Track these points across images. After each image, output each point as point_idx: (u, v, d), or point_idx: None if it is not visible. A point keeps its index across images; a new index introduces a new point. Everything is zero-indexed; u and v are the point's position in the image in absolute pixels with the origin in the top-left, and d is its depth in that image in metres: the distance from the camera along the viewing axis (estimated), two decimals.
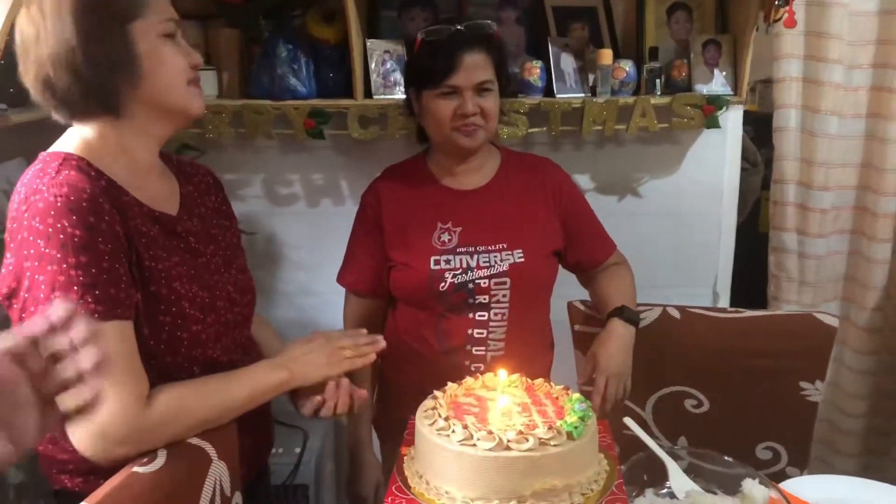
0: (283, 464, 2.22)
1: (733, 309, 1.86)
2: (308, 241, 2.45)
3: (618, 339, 1.64)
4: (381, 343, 1.40)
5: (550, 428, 1.17)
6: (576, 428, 1.18)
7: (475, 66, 1.60)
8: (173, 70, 1.18)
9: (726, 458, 1.41)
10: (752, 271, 2.56)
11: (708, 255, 2.44)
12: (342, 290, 1.83)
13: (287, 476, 2.21)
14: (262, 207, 2.45)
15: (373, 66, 2.14)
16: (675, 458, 1.42)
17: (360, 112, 2.14)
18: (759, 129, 2.37)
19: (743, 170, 2.41)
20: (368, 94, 2.16)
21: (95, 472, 1.16)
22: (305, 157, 2.40)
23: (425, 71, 1.63)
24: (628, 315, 1.66)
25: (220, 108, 2.15)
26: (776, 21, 1.93)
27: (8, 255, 1.12)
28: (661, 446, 1.44)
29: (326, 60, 2.18)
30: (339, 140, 2.31)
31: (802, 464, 1.82)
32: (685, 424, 1.84)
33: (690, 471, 1.40)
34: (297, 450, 2.28)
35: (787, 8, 1.87)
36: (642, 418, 1.84)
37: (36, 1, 1.14)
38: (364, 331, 1.41)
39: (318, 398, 1.33)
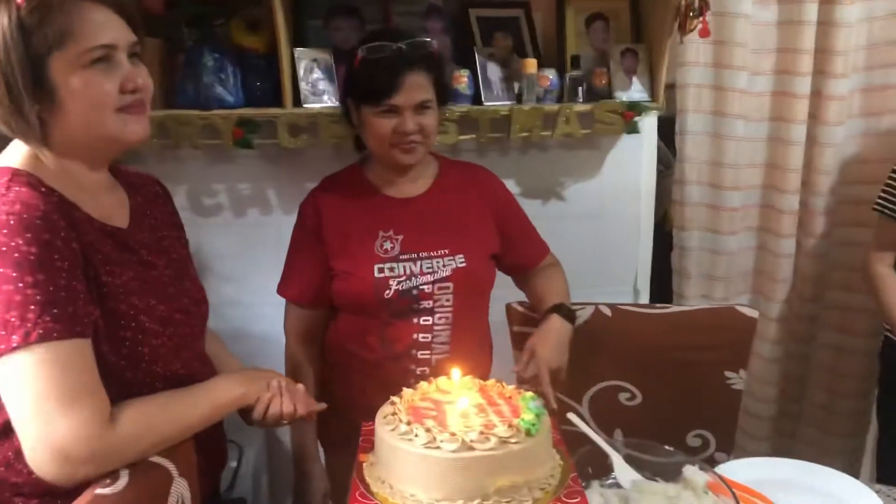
0: (221, 478, 2.20)
1: (661, 305, 1.95)
2: (235, 252, 2.42)
3: (556, 334, 1.69)
4: (322, 406, 1.45)
5: (510, 426, 1.20)
6: (533, 425, 1.22)
7: (416, 87, 1.60)
8: (94, 100, 1.12)
9: (666, 447, 1.46)
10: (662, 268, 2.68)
11: (628, 255, 2.54)
12: (271, 300, 1.82)
13: (224, 489, 2.18)
14: (187, 218, 2.34)
15: (301, 74, 2.13)
16: (616, 450, 1.49)
17: (290, 121, 2.13)
18: (665, 132, 2.50)
19: (658, 172, 2.52)
20: (298, 102, 2.15)
21: (51, 493, 1.13)
22: (232, 167, 2.37)
23: (366, 88, 1.63)
24: (566, 312, 1.72)
25: None
26: (690, 31, 2.04)
27: None
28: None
29: (253, 69, 2.16)
30: (267, 149, 2.29)
31: (729, 449, 1.93)
32: (620, 417, 1.91)
33: (629, 462, 1.46)
34: (234, 464, 2.26)
35: (702, 19, 1.98)
36: (579, 412, 1.91)
37: None
38: (302, 388, 1.42)
39: (266, 397, 1.33)
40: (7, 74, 1.08)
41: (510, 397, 1.37)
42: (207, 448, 1.34)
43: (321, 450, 1.86)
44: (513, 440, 1.19)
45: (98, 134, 1.15)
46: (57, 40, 1.09)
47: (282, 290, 1.78)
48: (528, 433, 1.21)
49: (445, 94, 1.74)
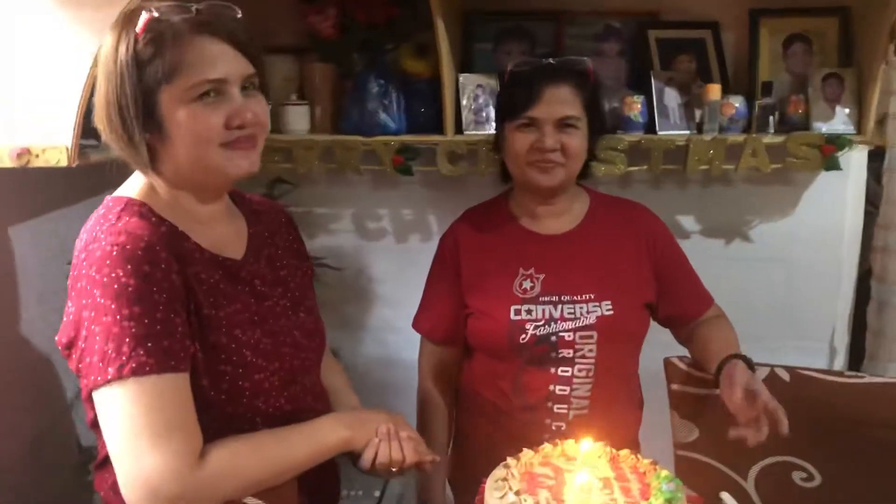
0: None
1: (851, 373, 1.66)
2: (395, 277, 2.41)
3: (742, 377, 1.42)
4: (434, 458, 1.32)
5: None
6: None
7: (559, 100, 1.51)
8: (199, 134, 1.11)
9: None
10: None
11: (824, 308, 2.24)
12: None
13: None
14: (352, 242, 2.44)
15: (464, 101, 2.08)
16: None
17: (450, 148, 2.08)
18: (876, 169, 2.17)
19: (867, 213, 2.20)
20: (459, 129, 2.10)
21: None
22: (395, 193, 2.37)
23: (508, 102, 1.57)
24: (746, 360, 1.47)
25: (311, 143, 2.14)
26: None
27: (69, 303, 1.11)
28: None
29: (418, 95, 2.14)
30: (428, 176, 2.27)
31: None
32: (793, 499, 1.65)
33: None
34: (377, 493, 2.23)
35: None
36: (744, 490, 1.67)
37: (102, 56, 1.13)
38: (415, 436, 1.31)
39: (375, 442, 1.24)
40: (121, 103, 1.10)
41: (644, 473, 1.21)
42: (314, 486, 1.29)
43: (450, 494, 1.76)
44: None
45: (202, 167, 1.14)
46: (167, 74, 1.09)
47: (416, 323, 1.72)
48: None
49: (600, 120, 1.61)
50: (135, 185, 1.18)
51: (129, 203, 1.13)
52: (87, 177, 1.63)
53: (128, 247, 1.06)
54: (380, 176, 2.30)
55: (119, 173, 1.21)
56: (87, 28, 1.53)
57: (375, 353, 2.47)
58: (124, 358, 1.02)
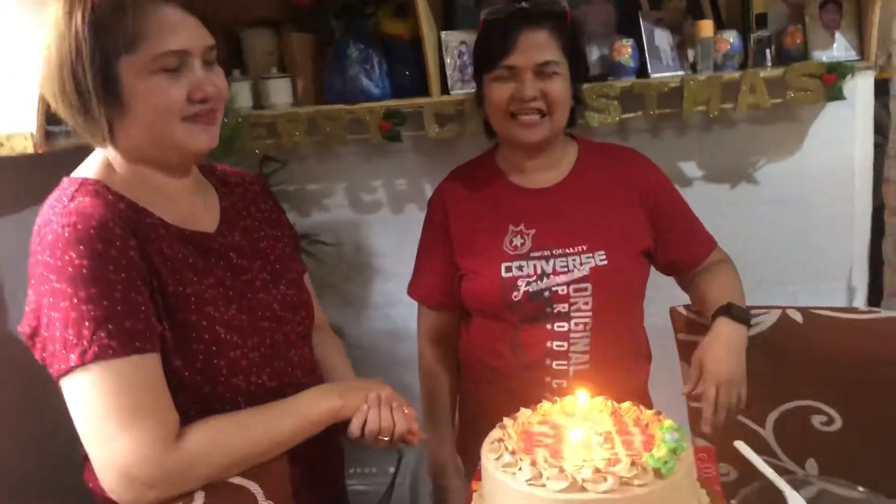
0: (378, 484, 2.13)
1: (867, 309, 1.60)
2: (395, 250, 2.35)
3: (726, 341, 1.42)
4: (424, 437, 1.26)
5: (634, 464, 0.99)
6: (665, 463, 1.00)
7: (536, 45, 1.44)
8: (160, 107, 1.07)
9: (860, 488, 1.19)
10: None
11: (840, 246, 2.15)
12: None
13: (381, 498, 2.12)
14: (347, 216, 2.38)
15: (448, 60, 2.01)
16: (801, 485, 1.20)
17: (437, 109, 2.02)
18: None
19: (877, 145, 2.11)
20: (446, 89, 2.03)
21: None
22: (386, 162, 2.31)
23: (483, 52, 1.51)
24: (737, 313, 1.44)
25: (294, 115, 2.09)
26: None
27: (29, 291, 1.06)
28: (785, 471, 1.23)
29: (401, 57, 2.08)
30: (418, 141, 2.21)
31: None
32: (814, 445, 1.58)
33: (819, 501, 1.18)
34: (391, 470, 2.19)
35: None
36: (762, 438, 1.61)
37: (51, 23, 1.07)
38: (406, 405, 1.25)
39: (364, 409, 1.19)
40: (77, 73, 1.04)
41: (647, 425, 1.15)
42: (310, 463, 1.24)
43: (460, 464, 1.71)
44: (636, 482, 0.98)
45: (162, 141, 1.10)
46: (128, 43, 1.04)
47: (410, 289, 1.68)
48: (658, 473, 0.99)
49: (582, 64, 1.56)
50: (92, 165, 1.13)
51: (83, 183, 1.08)
52: (64, 166, 1.58)
53: (79, 226, 1.01)
54: (370, 146, 2.24)
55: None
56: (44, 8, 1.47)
57: (381, 328, 2.42)
58: (85, 343, 0.98)
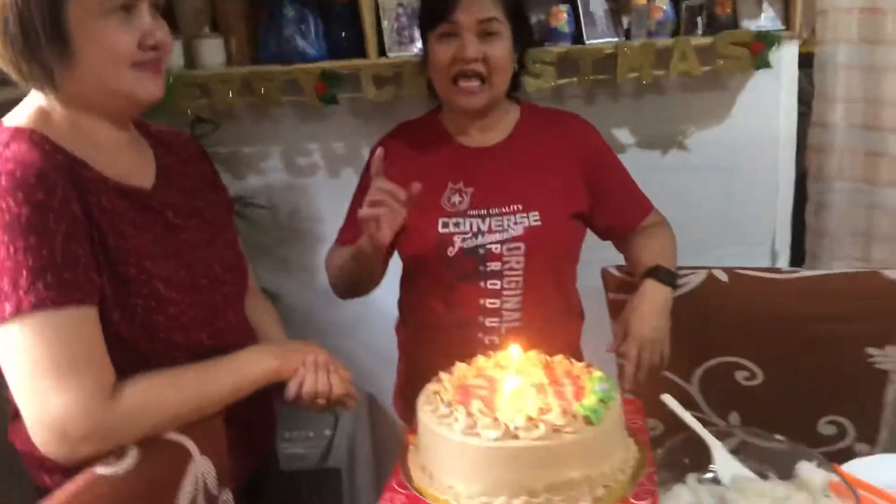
0: (314, 447, 2.14)
1: (788, 269, 1.67)
2: (331, 214, 2.30)
3: (651, 301, 1.48)
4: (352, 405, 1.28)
5: (565, 412, 1.02)
6: (594, 412, 1.04)
7: (478, 3, 1.45)
8: (110, 53, 1.05)
9: (777, 436, 1.24)
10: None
11: (765, 211, 2.24)
12: None
13: (318, 460, 2.13)
14: (283, 180, 2.35)
15: (385, 22, 2.00)
16: (724, 437, 1.26)
17: (374, 72, 2.00)
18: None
19: (801, 115, 2.18)
20: (383, 51, 2.02)
21: (77, 469, 1.06)
22: (323, 125, 2.28)
23: (427, 10, 1.52)
24: (663, 275, 1.50)
25: (227, 76, 2.05)
26: None
27: None
28: (708, 424, 1.28)
29: (337, 18, 2.05)
30: (355, 103, 2.19)
31: (873, 439, 1.63)
32: (737, 399, 1.66)
33: (741, 451, 1.24)
34: (327, 432, 2.20)
35: None
36: (688, 393, 1.67)
37: None
38: (343, 370, 1.27)
39: (300, 373, 1.20)
40: (24, 15, 1.01)
41: (578, 376, 1.18)
42: (246, 418, 1.24)
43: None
44: (567, 429, 1.01)
45: (111, 89, 1.08)
46: None
47: (341, 237, 1.66)
48: (588, 421, 1.02)
49: (525, 29, 1.56)
50: (24, 112, 1.09)
51: (18, 131, 1.05)
52: None
53: (17, 174, 0.98)
54: (306, 108, 2.21)
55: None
56: None
57: (317, 293, 2.40)
58: (22, 293, 0.96)
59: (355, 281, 1.56)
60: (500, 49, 1.47)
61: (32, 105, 1.10)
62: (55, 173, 1.01)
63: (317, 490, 2.14)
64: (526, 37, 1.59)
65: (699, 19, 1.94)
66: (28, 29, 1.01)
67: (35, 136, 1.05)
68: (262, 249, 2.32)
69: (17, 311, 0.96)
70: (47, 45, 1.02)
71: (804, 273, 1.64)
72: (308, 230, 2.39)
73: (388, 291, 1.69)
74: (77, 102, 1.09)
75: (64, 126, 1.09)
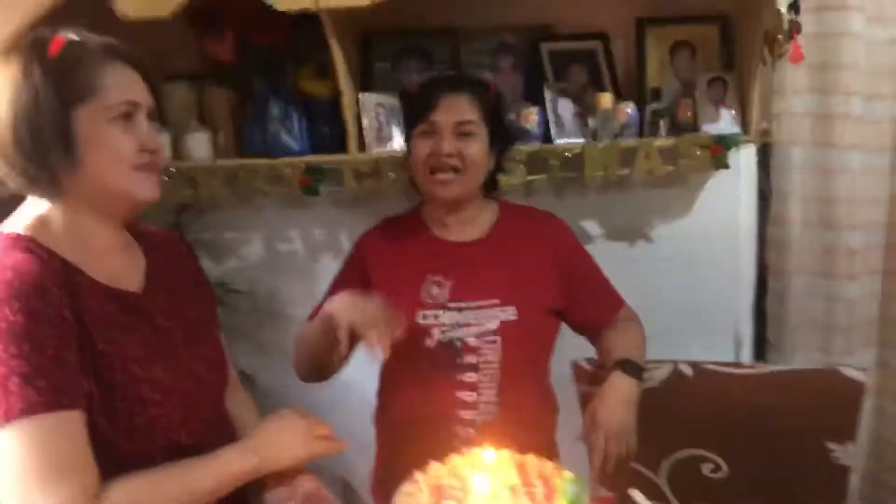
0: None
1: (749, 364, 1.75)
2: (309, 298, 2.35)
3: (618, 393, 1.53)
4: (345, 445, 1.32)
5: None
6: None
7: (456, 106, 1.57)
8: (114, 157, 1.12)
9: None
10: None
11: (727, 301, 2.32)
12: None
13: None
14: (263, 265, 2.41)
15: (366, 120, 2.08)
16: None
17: (354, 166, 2.09)
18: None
19: (761, 209, 2.29)
20: (363, 147, 2.10)
21: None
22: (304, 214, 2.36)
23: (411, 112, 1.63)
24: (630, 368, 1.55)
25: (213, 168, 2.11)
26: (780, 56, 1.83)
27: None
28: None
29: (320, 115, 2.14)
30: (337, 195, 2.27)
31: None
32: (704, 491, 1.70)
33: None
34: None
35: (792, 43, 1.77)
36: (656, 485, 1.72)
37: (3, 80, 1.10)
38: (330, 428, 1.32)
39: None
40: (35, 126, 1.08)
41: (549, 478, 1.23)
42: None
43: None
44: None
45: (113, 190, 1.14)
46: (84, 92, 1.10)
47: (312, 313, 1.69)
48: None
49: (501, 132, 1.66)
50: (22, 220, 1.15)
51: (17, 238, 1.10)
52: None
53: (15, 283, 1.03)
54: (288, 198, 2.28)
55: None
56: None
57: (294, 376, 2.43)
58: (12, 398, 0.99)
59: (321, 358, 1.56)
60: (475, 147, 1.57)
61: (30, 213, 1.15)
62: (50, 281, 1.06)
63: None
64: (503, 138, 1.68)
65: (662, 122, 2.04)
66: (38, 136, 1.08)
67: (32, 245, 1.10)
68: (240, 332, 2.36)
69: (7, 418, 0.99)
70: (55, 150, 1.09)
71: (765, 368, 1.71)
72: (285, 313, 2.43)
73: (366, 378, 1.74)
74: (77, 206, 1.15)
75: (61, 232, 1.14)
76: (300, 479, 1.27)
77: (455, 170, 1.57)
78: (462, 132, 1.56)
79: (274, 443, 1.24)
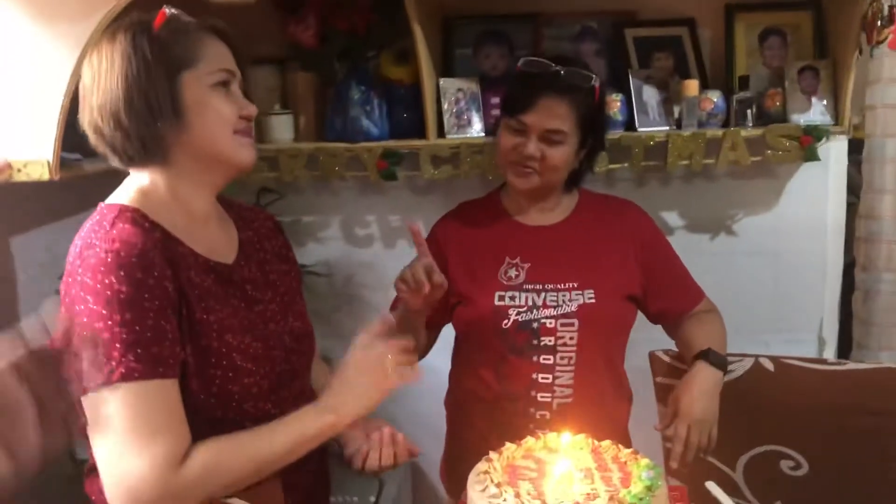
0: None
1: (834, 360, 1.68)
2: (384, 283, 2.38)
3: (702, 383, 1.50)
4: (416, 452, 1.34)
5: (612, 499, 1.06)
6: (641, 500, 1.07)
7: (551, 113, 1.51)
8: (217, 120, 1.18)
9: None
10: None
11: (812, 299, 2.25)
12: None
13: None
14: (340, 249, 2.44)
15: (446, 105, 2.09)
16: None
17: (432, 152, 2.10)
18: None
19: (849, 204, 2.21)
20: (442, 133, 2.12)
21: None
22: (381, 198, 2.39)
23: (509, 99, 1.59)
24: (714, 358, 1.52)
25: (295, 151, 2.16)
26: (880, 43, 1.76)
27: (63, 309, 1.12)
28: None
29: (400, 101, 2.16)
30: (413, 180, 2.29)
31: None
32: (781, 488, 1.66)
33: None
34: (372, 498, 2.23)
35: (893, 28, 1.69)
36: (732, 480, 1.68)
37: (97, 49, 1.17)
38: (401, 438, 1.33)
39: (364, 449, 1.27)
40: (148, 93, 1.13)
41: (625, 462, 1.22)
42: (300, 488, 1.29)
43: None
44: None
45: (216, 152, 1.20)
46: (187, 61, 1.16)
47: (392, 304, 1.70)
48: None
49: (596, 137, 1.62)
50: (127, 192, 1.20)
51: (122, 210, 1.15)
52: (77, 190, 1.64)
53: (122, 254, 1.07)
54: (365, 183, 2.32)
55: (107, 182, 1.24)
56: (64, 42, 1.54)
57: None
58: (114, 364, 1.04)
59: None
60: (560, 154, 1.54)
61: (133, 186, 1.21)
62: (153, 252, 1.11)
63: None
64: (596, 143, 1.64)
65: (749, 111, 1.99)
66: (151, 102, 1.14)
67: (137, 216, 1.15)
68: (316, 315, 2.38)
69: (108, 381, 1.04)
70: (166, 113, 1.14)
71: (850, 365, 1.65)
72: (362, 297, 2.47)
73: (439, 363, 1.75)
74: (181, 172, 1.20)
75: (162, 203, 1.19)
76: (372, 423, 1.30)
77: (534, 169, 1.56)
78: (550, 138, 1.53)
79: (348, 397, 1.21)
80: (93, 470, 1.17)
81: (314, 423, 1.20)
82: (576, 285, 1.57)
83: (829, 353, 2.25)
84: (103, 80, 1.14)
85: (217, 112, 1.18)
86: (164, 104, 1.14)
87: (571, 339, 1.55)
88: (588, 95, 1.55)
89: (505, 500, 1.08)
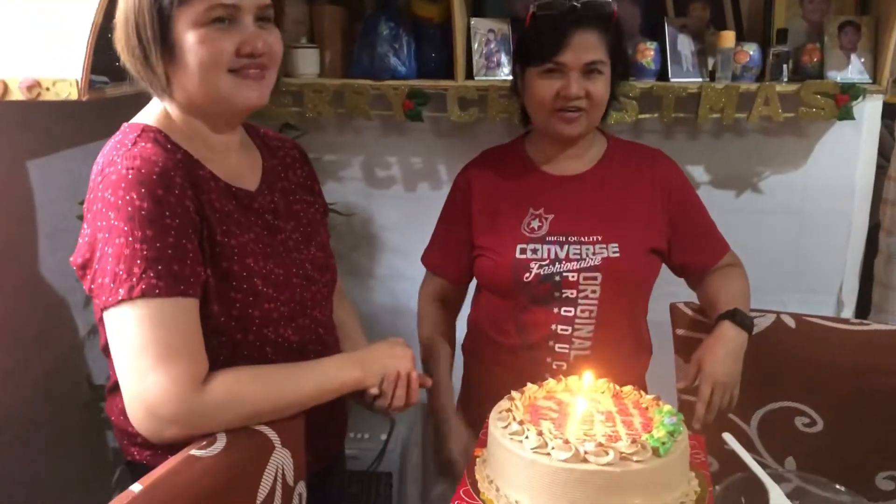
0: (368, 450, 2.20)
1: (857, 321, 1.67)
2: (404, 225, 2.41)
3: (728, 344, 1.49)
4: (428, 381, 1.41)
5: (634, 442, 1.06)
6: (663, 444, 1.07)
7: (586, 45, 1.48)
8: (206, 58, 1.11)
9: (837, 486, 1.28)
10: None
11: (834, 260, 2.23)
12: None
13: (371, 463, 2.18)
14: (361, 189, 2.44)
15: (475, 45, 2.06)
16: (780, 480, 1.29)
17: (460, 94, 2.07)
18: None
19: (879, 167, 2.18)
20: (470, 74, 2.08)
21: (163, 447, 1.13)
22: (404, 140, 2.36)
23: (533, 46, 1.53)
24: (741, 319, 1.50)
25: (320, 86, 2.13)
26: None
27: (85, 225, 1.12)
28: (764, 467, 1.31)
29: (429, 39, 2.12)
30: (438, 122, 2.26)
31: None
32: (795, 444, 1.66)
33: (796, 496, 1.27)
34: (383, 437, 2.25)
35: None
36: (746, 434, 1.68)
37: None
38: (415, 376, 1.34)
39: (374, 390, 1.27)
40: (138, 23, 1.11)
41: (646, 408, 1.22)
42: (322, 419, 1.30)
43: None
44: (635, 458, 1.05)
45: (210, 93, 1.14)
46: None
47: (424, 258, 1.73)
48: (656, 452, 1.06)
49: (623, 63, 1.59)
50: (151, 112, 1.19)
51: (145, 129, 1.14)
52: (100, 114, 1.63)
53: (143, 170, 1.07)
54: (389, 122, 2.29)
55: (133, 109, 1.22)
56: None
57: (383, 301, 2.48)
58: (135, 279, 1.04)
59: None
60: (602, 85, 1.51)
61: (157, 106, 1.19)
62: (175, 171, 1.10)
63: (367, 492, 2.20)
64: (622, 70, 1.62)
65: (785, 66, 1.95)
66: (142, 37, 1.11)
67: (159, 136, 1.14)
68: (334, 253, 2.40)
69: (129, 296, 1.04)
70: (156, 49, 1.11)
71: (872, 326, 1.64)
72: (380, 239, 2.47)
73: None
74: (187, 106, 1.17)
75: (182, 126, 1.18)
76: (389, 343, 1.33)
77: (580, 110, 1.52)
78: (589, 70, 1.50)
79: (378, 359, 1.28)
80: (114, 389, 1.19)
81: (341, 373, 1.23)
82: (600, 238, 1.55)
83: (848, 314, 2.25)
84: (121, 7, 1.13)
85: (207, 52, 1.11)
86: (153, 40, 1.11)
87: (594, 292, 1.54)
88: (609, 20, 1.53)
89: (528, 437, 1.08)
